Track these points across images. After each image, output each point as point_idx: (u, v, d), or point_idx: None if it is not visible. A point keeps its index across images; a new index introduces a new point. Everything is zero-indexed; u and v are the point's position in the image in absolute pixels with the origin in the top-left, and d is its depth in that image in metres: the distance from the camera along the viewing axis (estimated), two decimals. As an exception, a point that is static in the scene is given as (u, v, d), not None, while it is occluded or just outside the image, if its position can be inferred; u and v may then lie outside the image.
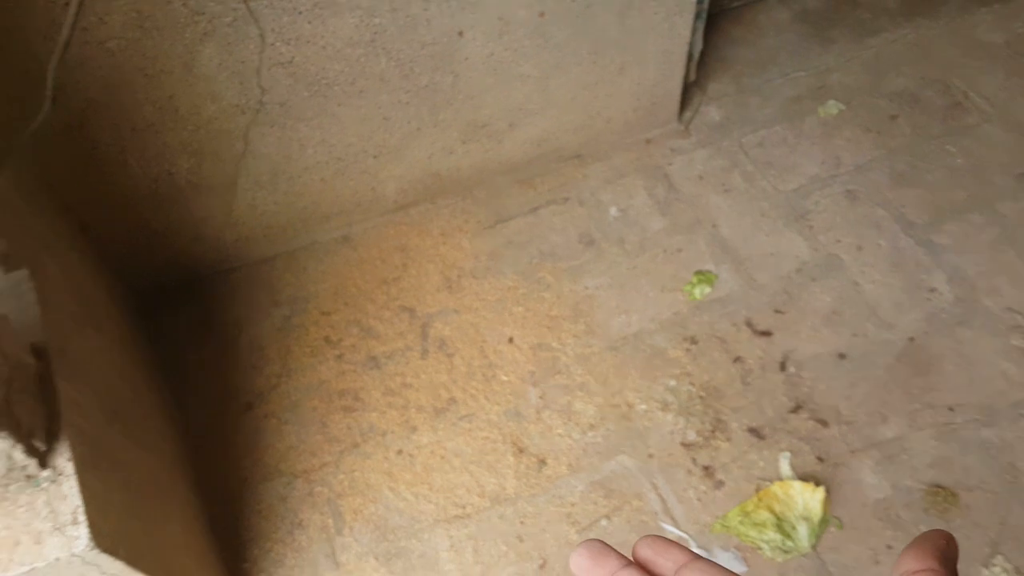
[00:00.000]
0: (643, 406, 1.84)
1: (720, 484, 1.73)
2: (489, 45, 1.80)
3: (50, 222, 1.63)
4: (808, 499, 1.68)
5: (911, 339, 1.88)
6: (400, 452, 1.82)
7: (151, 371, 1.87)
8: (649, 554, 0.49)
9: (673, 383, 1.87)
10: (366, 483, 1.80)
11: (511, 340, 1.96)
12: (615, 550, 0.49)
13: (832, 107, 2.31)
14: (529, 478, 1.77)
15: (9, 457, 1.06)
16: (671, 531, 1.69)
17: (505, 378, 1.91)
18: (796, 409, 1.81)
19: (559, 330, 1.97)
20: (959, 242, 2.02)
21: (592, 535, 1.67)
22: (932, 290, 1.95)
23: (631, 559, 0.49)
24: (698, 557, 0.47)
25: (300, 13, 1.56)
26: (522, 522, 1.73)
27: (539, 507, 1.74)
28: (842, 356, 1.88)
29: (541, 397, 1.87)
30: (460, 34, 1.74)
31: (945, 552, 0.42)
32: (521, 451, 1.81)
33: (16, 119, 1.51)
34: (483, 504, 1.75)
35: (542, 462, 1.79)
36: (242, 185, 1.86)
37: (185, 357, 2.00)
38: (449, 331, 1.99)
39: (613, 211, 2.16)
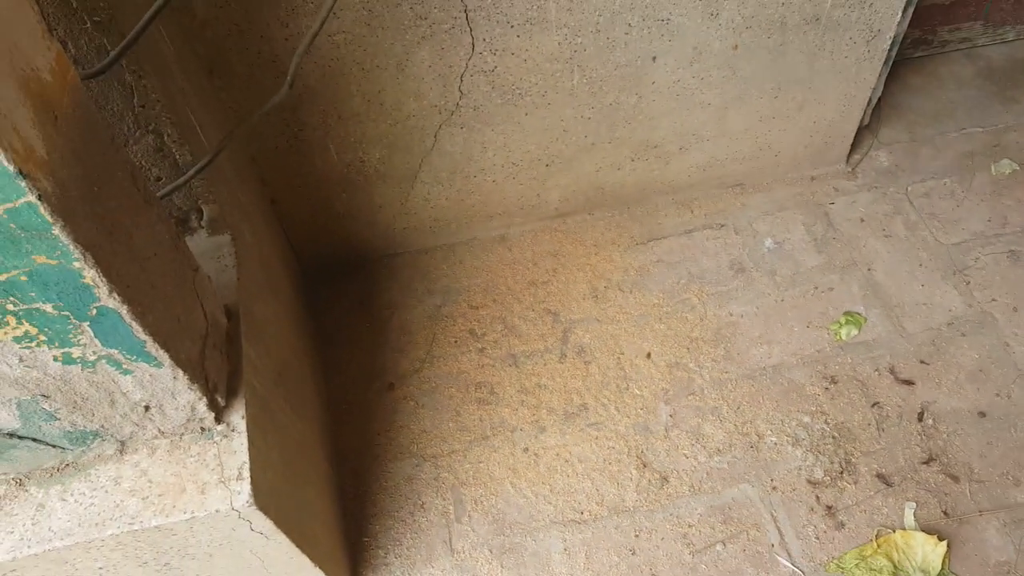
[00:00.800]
0: (773, 438, 1.97)
1: (841, 525, 1.84)
2: (678, 72, 1.97)
3: (248, 192, 1.86)
4: (929, 552, 1.78)
5: (1057, 407, 1.96)
6: (526, 450, 2.00)
7: (308, 341, 2.09)
8: None
9: (807, 419, 2.00)
10: (490, 475, 1.97)
11: (649, 355, 2.13)
12: None
13: (1006, 166, 2.40)
14: (650, 493, 1.91)
15: (193, 408, 1.20)
16: (785, 564, 1.81)
17: (638, 392, 2.07)
18: (928, 461, 1.91)
19: (698, 352, 2.12)
20: (1121, 317, 2.09)
21: (706, 559, 1.81)
22: (1086, 361, 2.03)
23: None
24: None
25: (512, 27, 1.76)
26: (637, 535, 1.87)
27: (656, 523, 1.88)
28: (982, 414, 1.97)
29: (671, 415, 2.02)
30: (653, 59, 1.92)
31: None
32: (645, 465, 1.96)
33: (246, 99, 1.77)
34: (601, 512, 1.90)
35: (664, 479, 1.93)
36: (422, 179, 2.09)
37: (339, 332, 2.23)
38: (589, 339, 2.17)
39: (768, 242, 2.31)
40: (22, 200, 0.84)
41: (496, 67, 1.85)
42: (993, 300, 2.16)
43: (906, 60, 2.67)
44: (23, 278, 0.93)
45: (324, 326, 2.25)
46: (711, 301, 2.22)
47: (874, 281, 2.22)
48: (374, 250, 2.32)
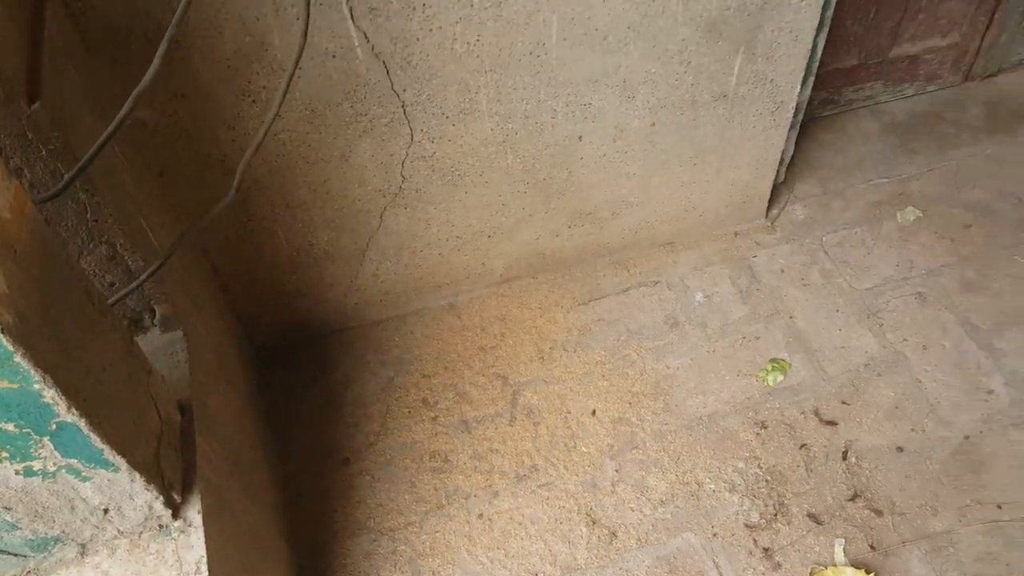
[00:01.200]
0: (712, 485, 2.03)
1: (777, 566, 1.89)
2: (603, 148, 2.06)
3: (199, 284, 1.88)
4: (858, 586, 1.85)
5: (966, 437, 2.05)
6: (481, 516, 2.02)
7: (261, 424, 2.09)
8: None
9: (742, 465, 2.06)
10: (446, 544, 1.98)
11: (594, 413, 2.17)
12: None
13: (910, 213, 2.53)
14: (600, 549, 1.95)
15: (150, 508, 1.23)
16: (728, 608, 1.86)
17: (585, 449, 2.11)
18: (854, 497, 1.98)
19: (639, 406, 2.18)
20: (1019, 348, 2.20)
21: (655, 606, 1.86)
22: (990, 392, 2.13)
23: None
24: None
25: (447, 117, 1.84)
26: (589, 594, 1.90)
27: (605, 580, 1.91)
28: (900, 449, 2.05)
29: (617, 470, 2.06)
30: (579, 138, 2.01)
31: None
32: (594, 522, 1.99)
33: (195, 197, 1.81)
34: (554, 573, 1.92)
35: (613, 534, 1.97)
36: (370, 256, 2.15)
37: (293, 410, 2.24)
38: (537, 400, 2.21)
39: (699, 296, 2.39)
40: (-16, 335, 0.87)
41: (435, 153, 1.93)
42: (905, 340, 2.26)
43: (816, 118, 2.80)
44: (-15, 403, 0.95)
45: (278, 405, 2.26)
46: (649, 356, 2.28)
47: (796, 328, 2.31)
48: (326, 326, 2.35)
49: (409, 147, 1.88)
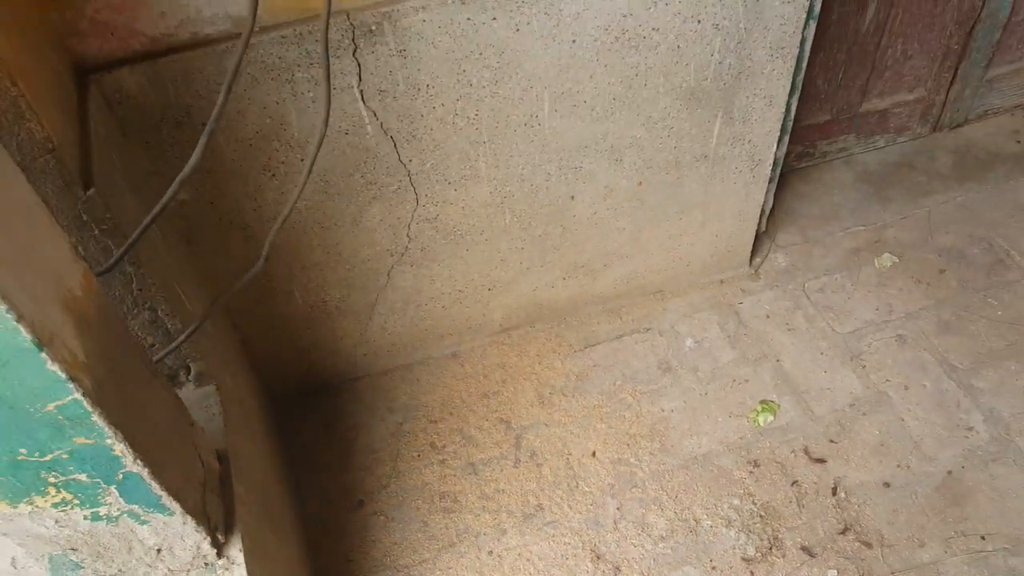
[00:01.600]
0: (709, 521, 2.17)
1: (774, 598, 2.04)
2: (594, 206, 2.25)
3: (225, 341, 2.05)
4: (852, 616, 2.00)
5: (949, 472, 2.21)
6: (491, 553, 2.16)
7: (283, 469, 2.25)
8: None
9: (737, 502, 2.21)
10: (459, 580, 2.13)
11: (594, 454, 2.33)
12: None
13: (887, 259, 2.72)
14: (604, 584, 2.09)
15: (198, 548, 1.38)
16: (730, 639, 2.00)
17: (587, 489, 2.26)
18: (844, 531, 2.13)
19: (637, 447, 2.33)
20: (996, 386, 2.37)
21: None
22: (970, 429, 2.29)
23: None
24: None
25: (449, 183, 2.03)
26: (594, 627, 2.04)
27: (610, 613, 2.05)
28: (887, 484, 2.20)
29: (618, 508, 2.21)
30: (572, 198, 2.20)
31: None
32: (598, 558, 2.13)
33: (220, 262, 1.98)
34: (561, 606, 2.06)
35: (617, 569, 2.11)
36: (378, 311, 2.32)
37: (309, 456, 2.40)
38: (539, 443, 2.36)
39: (689, 342, 2.56)
40: (69, 398, 1.04)
41: (438, 215, 2.11)
42: (887, 380, 2.42)
43: (793, 170, 3.01)
44: (65, 456, 1.11)
45: (295, 452, 2.41)
46: (644, 399, 2.44)
47: (783, 370, 2.47)
48: (337, 376, 2.52)
49: (415, 211, 2.07)
